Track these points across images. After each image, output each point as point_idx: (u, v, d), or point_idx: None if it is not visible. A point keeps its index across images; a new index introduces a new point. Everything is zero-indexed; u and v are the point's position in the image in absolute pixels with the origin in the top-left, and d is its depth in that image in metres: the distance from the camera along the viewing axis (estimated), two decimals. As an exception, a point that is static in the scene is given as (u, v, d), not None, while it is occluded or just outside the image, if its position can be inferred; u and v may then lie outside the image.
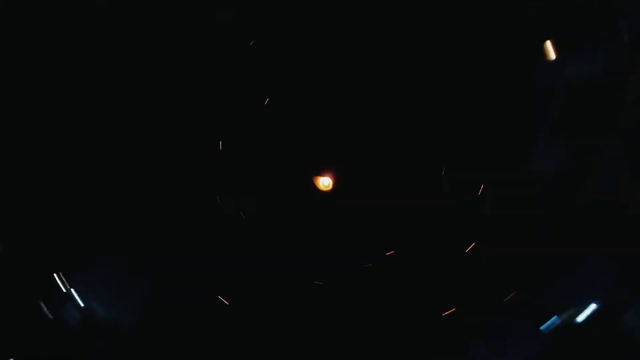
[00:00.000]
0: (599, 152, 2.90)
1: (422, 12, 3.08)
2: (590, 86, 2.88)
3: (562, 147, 3.02)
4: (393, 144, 3.15)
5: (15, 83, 2.83)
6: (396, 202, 3.15)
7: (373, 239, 3.25)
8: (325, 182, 3.11)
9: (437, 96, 3.17)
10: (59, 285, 3.03)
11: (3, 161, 2.87)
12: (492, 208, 3.12)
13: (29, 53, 2.83)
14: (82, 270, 3.13)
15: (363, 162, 3.20)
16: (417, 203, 3.17)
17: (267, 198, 3.26)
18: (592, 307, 2.84)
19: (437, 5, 3.08)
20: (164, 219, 3.20)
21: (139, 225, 3.21)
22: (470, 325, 3.05)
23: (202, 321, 3.21)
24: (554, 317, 2.91)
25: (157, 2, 2.91)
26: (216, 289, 3.25)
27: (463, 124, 3.16)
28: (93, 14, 2.81)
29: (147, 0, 2.89)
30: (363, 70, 3.14)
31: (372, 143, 3.17)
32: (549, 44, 2.88)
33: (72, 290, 3.07)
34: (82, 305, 3.07)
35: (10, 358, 2.77)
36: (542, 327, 2.92)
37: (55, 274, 3.03)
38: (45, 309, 2.94)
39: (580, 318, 2.87)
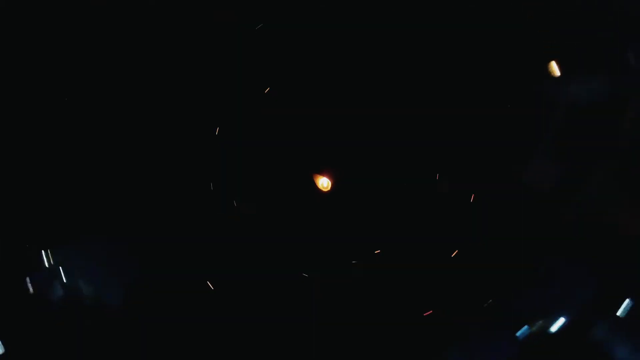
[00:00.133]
0: (592, 172, 2.96)
1: (422, 12, 3.03)
2: (591, 105, 2.90)
3: (556, 162, 3.06)
4: (390, 147, 3.15)
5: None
6: (388, 204, 3.19)
7: (363, 237, 3.29)
8: (324, 183, 3.11)
9: (436, 96, 3.15)
10: (44, 262, 3.01)
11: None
12: (480, 216, 3.17)
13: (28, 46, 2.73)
14: (68, 248, 3.11)
15: (362, 163, 3.21)
16: (409, 205, 3.21)
17: (261, 188, 3.25)
18: (562, 320, 2.98)
19: (437, 5, 3.03)
20: (154, 201, 3.18)
21: (129, 206, 3.19)
22: (447, 328, 3.16)
23: (188, 305, 3.25)
24: (525, 327, 3.04)
25: (157, 2, 2.82)
26: (204, 273, 3.27)
27: (460, 129, 3.17)
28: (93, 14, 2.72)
29: (147, 0, 2.80)
30: (363, 71, 3.11)
31: (370, 145, 3.16)
32: (554, 64, 2.88)
33: (57, 267, 3.06)
34: (66, 283, 3.06)
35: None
36: (514, 335, 3.05)
37: (40, 251, 3.01)
38: (29, 286, 2.94)
39: (551, 329, 3.01)
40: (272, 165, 3.25)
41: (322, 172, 3.18)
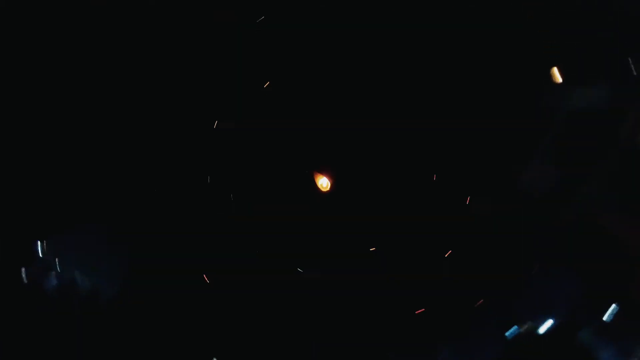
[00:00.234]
0: (587, 178, 3.00)
1: (422, 12, 3.01)
2: (590, 113, 2.91)
3: (553, 166, 3.09)
4: (388, 149, 3.16)
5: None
6: (385, 205, 3.21)
7: (358, 235, 3.32)
8: (323, 183, 3.12)
9: (435, 97, 3.15)
10: (38, 253, 3.01)
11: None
12: (475, 219, 3.21)
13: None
14: (63, 238, 3.11)
15: (361, 163, 3.21)
16: (406, 206, 3.23)
17: (259, 184, 3.25)
18: (549, 322, 3.05)
19: (437, 5, 3.01)
20: (152, 193, 3.17)
21: (126, 197, 3.18)
22: (438, 326, 3.23)
23: (182, 297, 3.27)
24: (514, 327, 3.11)
25: (157, 1, 2.76)
26: (199, 266, 3.29)
27: (459, 130, 3.17)
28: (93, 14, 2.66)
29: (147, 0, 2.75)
30: (362, 72, 3.09)
31: (370, 144, 3.16)
32: (555, 70, 2.88)
33: (52, 258, 3.06)
34: (61, 273, 3.07)
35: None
36: (503, 335, 3.12)
37: (35, 241, 3.01)
38: (23, 275, 2.94)
39: (540, 330, 3.08)
40: (271, 164, 3.24)
41: (321, 172, 3.18)
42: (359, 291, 3.19)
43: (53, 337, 2.90)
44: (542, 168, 3.00)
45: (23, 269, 2.88)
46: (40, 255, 2.99)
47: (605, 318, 2.87)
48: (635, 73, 2.73)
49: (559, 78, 2.89)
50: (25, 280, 2.91)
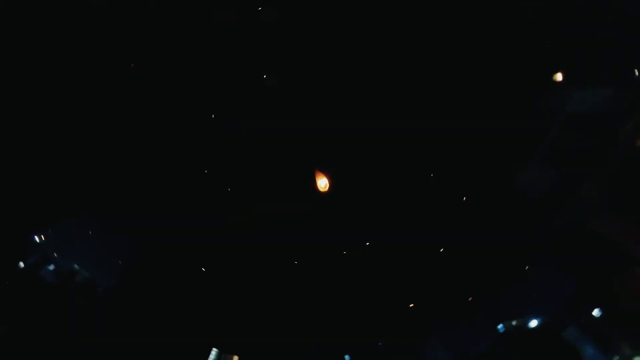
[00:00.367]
0: (584, 182, 3.05)
1: (422, 12, 2.99)
2: (589, 118, 2.94)
3: (550, 170, 3.13)
4: (387, 148, 3.17)
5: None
6: (382, 201, 3.23)
7: (355, 230, 3.36)
8: (322, 184, 3.13)
9: (435, 97, 3.15)
10: (37, 243, 3.01)
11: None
12: (470, 217, 3.25)
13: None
14: (62, 228, 3.11)
15: (360, 162, 3.22)
16: (403, 202, 3.26)
17: (259, 184, 3.26)
18: (539, 318, 3.16)
19: (437, 5, 2.99)
20: (151, 185, 3.17)
21: (126, 188, 3.18)
22: (431, 319, 3.31)
23: (179, 286, 3.30)
24: (505, 321, 3.21)
25: (157, 1, 2.70)
26: (196, 257, 3.32)
27: (459, 130, 3.19)
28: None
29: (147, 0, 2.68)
30: (362, 73, 3.07)
31: (369, 145, 3.17)
32: (559, 74, 2.89)
33: (51, 246, 3.06)
34: (60, 262, 3.08)
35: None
36: (494, 328, 3.22)
37: (34, 232, 3.00)
38: (23, 266, 2.94)
39: (529, 325, 3.19)
40: (271, 164, 3.24)
41: (320, 173, 3.19)
42: (353, 284, 3.25)
43: (52, 323, 2.93)
44: (540, 169, 3.04)
45: (22, 261, 2.89)
46: (40, 245, 2.99)
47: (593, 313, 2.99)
48: (637, 75, 2.75)
49: (559, 78, 2.90)
50: (26, 271, 2.92)
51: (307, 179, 3.07)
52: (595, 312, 2.99)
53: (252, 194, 3.20)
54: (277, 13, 2.85)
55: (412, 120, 3.08)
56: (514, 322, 3.17)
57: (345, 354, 3.34)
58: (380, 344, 3.32)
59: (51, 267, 3.04)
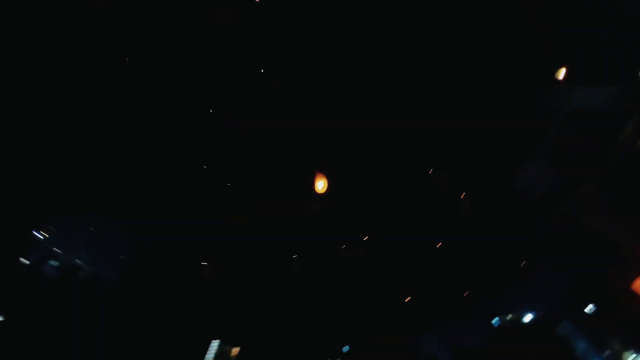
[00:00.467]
0: (582, 181, 3.11)
1: (422, 12, 3.03)
2: (589, 118, 2.99)
3: (549, 169, 3.19)
4: (387, 148, 3.22)
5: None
6: (382, 198, 3.28)
7: (353, 226, 3.43)
8: (319, 186, 3.18)
9: (435, 97, 3.21)
10: (40, 239, 3.05)
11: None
12: (468, 213, 3.32)
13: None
14: (64, 224, 3.15)
15: (359, 162, 3.28)
16: (401, 198, 3.32)
17: (258, 184, 3.32)
18: (530, 316, 3.25)
19: (437, 5, 3.04)
20: (153, 185, 3.23)
21: (126, 185, 3.23)
22: (427, 313, 3.39)
23: (181, 282, 3.37)
24: (496, 318, 3.30)
25: (157, 1, 2.71)
26: (198, 253, 3.39)
27: (459, 130, 3.25)
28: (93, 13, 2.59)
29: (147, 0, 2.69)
30: (362, 73, 3.12)
31: (368, 145, 3.22)
32: (562, 71, 2.93)
33: (53, 242, 3.11)
34: (63, 258, 3.13)
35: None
36: (489, 323, 3.30)
37: (36, 228, 3.05)
38: (25, 262, 2.99)
39: (523, 320, 3.27)
40: (271, 163, 3.28)
41: (319, 174, 3.23)
42: (352, 281, 3.30)
43: (54, 318, 2.97)
44: (541, 169, 3.09)
45: (24, 257, 2.92)
46: (42, 240, 3.02)
47: (586, 310, 3.06)
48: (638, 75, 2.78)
49: (561, 76, 2.94)
50: (29, 268, 2.95)
51: (306, 179, 3.11)
52: (589, 309, 3.09)
53: (252, 194, 3.24)
54: (277, 12, 2.86)
55: (412, 120, 3.11)
56: (508, 317, 3.26)
57: (344, 346, 3.43)
58: (377, 336, 3.43)
59: (54, 263, 3.09)
